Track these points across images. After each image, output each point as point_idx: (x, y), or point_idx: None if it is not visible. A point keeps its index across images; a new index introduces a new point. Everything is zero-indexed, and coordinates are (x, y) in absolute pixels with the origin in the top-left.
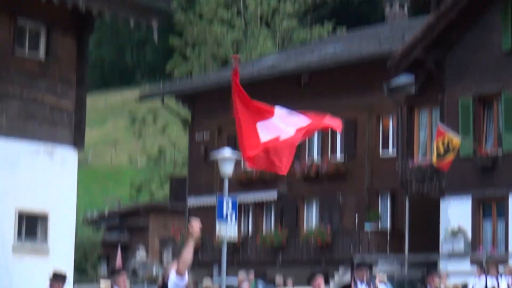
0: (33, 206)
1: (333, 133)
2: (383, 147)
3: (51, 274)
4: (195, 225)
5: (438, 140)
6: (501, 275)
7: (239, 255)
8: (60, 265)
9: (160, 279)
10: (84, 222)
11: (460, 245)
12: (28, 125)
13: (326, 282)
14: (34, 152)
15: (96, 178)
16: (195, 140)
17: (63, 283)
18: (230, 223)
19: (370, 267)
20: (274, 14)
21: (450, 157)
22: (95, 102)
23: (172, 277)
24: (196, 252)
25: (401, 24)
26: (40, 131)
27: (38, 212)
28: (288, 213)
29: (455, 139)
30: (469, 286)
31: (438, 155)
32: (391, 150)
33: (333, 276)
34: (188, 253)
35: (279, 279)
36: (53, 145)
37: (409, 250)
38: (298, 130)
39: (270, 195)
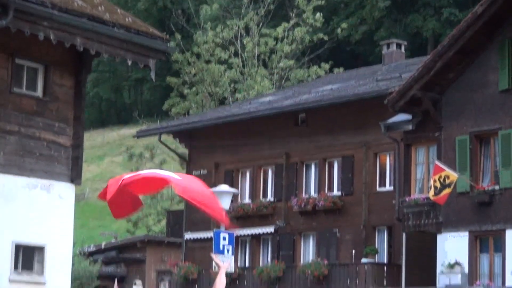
0: (30, 238)
1: (330, 169)
2: (380, 183)
3: None
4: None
5: (435, 176)
6: None
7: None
8: None
9: None
10: (81, 255)
11: (457, 279)
12: (25, 161)
13: None
14: (31, 187)
15: (94, 212)
16: (192, 175)
17: None
18: (227, 256)
19: None
20: (271, 54)
21: (446, 191)
22: (93, 139)
23: None
24: (193, 285)
25: (398, 64)
26: (37, 167)
27: (35, 245)
28: (285, 246)
29: (452, 175)
30: None
31: (435, 190)
32: (388, 186)
33: None
34: (221, 281)
35: None
36: (50, 180)
37: (406, 284)
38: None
39: (267, 229)
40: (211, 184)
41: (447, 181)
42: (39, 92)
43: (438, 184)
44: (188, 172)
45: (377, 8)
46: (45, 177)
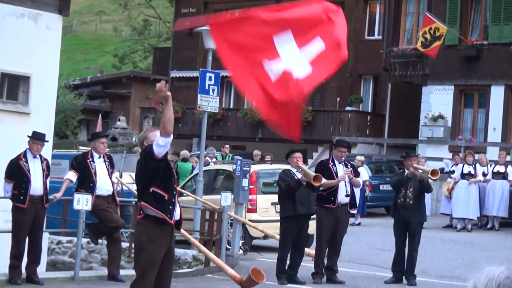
0: (16, 68)
1: None
2: (368, 32)
3: (30, 134)
4: (159, 85)
5: (425, 28)
6: (477, 163)
7: (219, 128)
8: (40, 128)
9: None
10: (66, 88)
11: (439, 132)
12: None
13: (304, 161)
14: (19, 16)
15: (80, 46)
16: (180, 13)
17: (42, 143)
18: (212, 96)
19: (349, 147)
20: None
21: (437, 44)
22: None
23: (158, 139)
24: (176, 123)
25: None
26: None
27: (20, 74)
28: None
29: (442, 27)
30: (445, 170)
31: (425, 42)
32: (376, 35)
33: (311, 156)
34: (169, 112)
35: (256, 152)
36: (38, 10)
37: (389, 134)
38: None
39: None
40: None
41: (437, 33)
42: None
43: (428, 36)
44: (177, 8)
45: None
46: (33, 6)
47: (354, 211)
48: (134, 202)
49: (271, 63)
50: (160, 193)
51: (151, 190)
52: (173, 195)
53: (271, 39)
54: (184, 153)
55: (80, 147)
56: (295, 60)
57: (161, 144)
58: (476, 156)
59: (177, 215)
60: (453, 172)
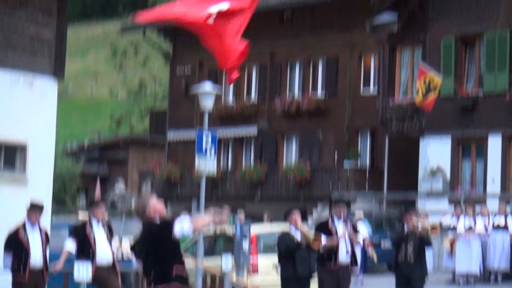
0: (11, 136)
1: (315, 69)
2: (364, 85)
3: (28, 203)
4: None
5: (420, 79)
6: (477, 215)
7: (218, 189)
8: (38, 196)
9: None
10: (64, 153)
11: (438, 184)
12: (7, 55)
13: (304, 218)
14: (14, 82)
15: (76, 109)
16: (176, 73)
17: (40, 212)
18: (209, 157)
19: (348, 204)
20: None
21: (432, 96)
22: (77, 33)
23: (186, 229)
24: (175, 186)
25: None
26: (20, 60)
27: (17, 142)
28: (268, 148)
29: (437, 78)
30: (446, 224)
31: (422, 95)
32: (372, 88)
33: (311, 213)
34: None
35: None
36: (33, 75)
37: (388, 188)
38: None
39: (250, 130)
40: (195, 82)
41: (432, 85)
42: None
43: (423, 89)
44: (172, 69)
45: None
46: (27, 72)
47: (355, 269)
48: (135, 271)
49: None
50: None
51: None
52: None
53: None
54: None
55: (80, 213)
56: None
57: (186, 233)
58: (477, 208)
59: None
60: (454, 226)
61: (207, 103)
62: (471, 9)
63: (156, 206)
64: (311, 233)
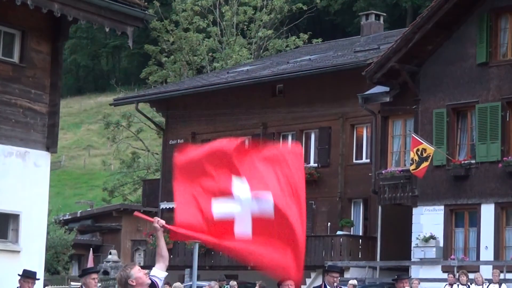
0: (4, 206)
1: (307, 141)
2: (356, 155)
3: (21, 273)
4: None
5: (414, 149)
6: (471, 283)
7: (211, 258)
8: (31, 265)
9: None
10: (57, 223)
11: (432, 253)
12: (1, 128)
13: (298, 287)
14: (7, 154)
15: (69, 181)
16: (169, 145)
17: (33, 282)
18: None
19: (341, 271)
20: (250, 23)
21: (425, 165)
22: (70, 106)
23: (160, 273)
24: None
25: (376, 35)
26: (13, 134)
27: (9, 212)
28: None
29: (429, 148)
30: None
31: (415, 163)
32: (364, 159)
33: (304, 282)
34: (161, 242)
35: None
36: (26, 148)
37: (381, 256)
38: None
39: None
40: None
41: (425, 154)
42: (15, 58)
43: (416, 158)
44: (165, 140)
45: None
46: (20, 144)
47: None
48: None
49: (222, 200)
50: None
51: None
52: None
53: (229, 178)
54: (177, 285)
55: (72, 283)
56: (243, 209)
57: (163, 277)
58: (471, 276)
59: None
60: None
61: None
62: (462, 81)
63: (139, 278)
64: None
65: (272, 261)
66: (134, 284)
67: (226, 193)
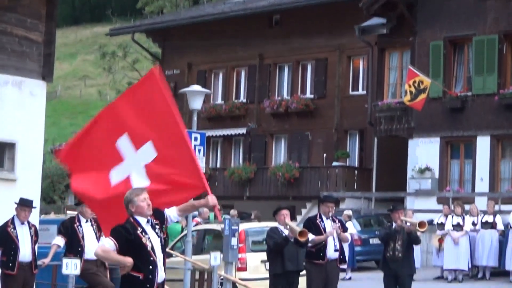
0: (0, 135)
1: (304, 72)
2: (353, 87)
3: (17, 201)
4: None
5: (409, 82)
6: (466, 214)
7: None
8: (27, 194)
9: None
10: (53, 153)
11: (427, 184)
12: None
13: (292, 217)
14: (2, 83)
15: (65, 111)
16: (165, 76)
17: (29, 210)
18: (198, 157)
19: (336, 202)
20: None
21: (422, 97)
22: (66, 37)
23: (174, 215)
24: None
25: None
26: (8, 63)
27: (5, 141)
28: (257, 148)
29: (426, 80)
30: (435, 222)
31: (411, 95)
32: (360, 90)
33: (300, 212)
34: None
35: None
36: (21, 77)
37: (376, 188)
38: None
39: (239, 130)
40: (184, 84)
41: (422, 86)
42: None
43: (413, 89)
44: (161, 72)
45: None
46: (16, 73)
47: (344, 266)
48: None
49: (116, 168)
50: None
51: None
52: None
53: (114, 145)
54: None
55: (68, 212)
56: (134, 163)
57: (174, 219)
58: (467, 207)
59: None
60: (442, 224)
61: (196, 104)
62: (459, 13)
63: (140, 207)
64: (297, 228)
65: (178, 193)
66: (133, 210)
67: (118, 160)
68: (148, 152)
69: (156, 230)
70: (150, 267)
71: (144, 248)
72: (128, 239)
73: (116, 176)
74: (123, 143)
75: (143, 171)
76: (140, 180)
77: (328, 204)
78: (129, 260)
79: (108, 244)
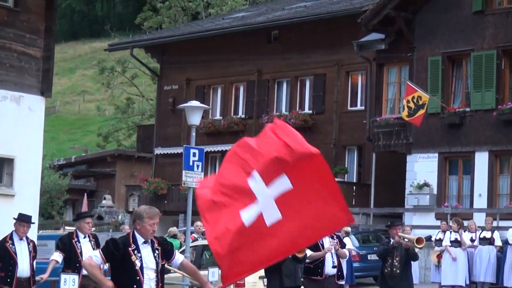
0: None
1: (302, 87)
2: (351, 103)
3: (16, 216)
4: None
5: (408, 97)
6: (464, 230)
7: None
8: (25, 210)
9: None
10: (51, 168)
11: (425, 200)
12: None
13: None
14: (1, 99)
15: (64, 126)
16: (163, 91)
17: (28, 225)
18: (196, 172)
19: None
20: None
21: (421, 112)
22: (64, 52)
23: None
24: (162, 200)
25: None
26: (7, 78)
27: (4, 156)
28: None
29: (424, 96)
30: (433, 238)
31: (409, 111)
32: (359, 106)
33: None
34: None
35: None
36: (20, 92)
37: (375, 204)
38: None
39: None
40: (182, 99)
41: (420, 102)
42: (10, 2)
43: (412, 105)
44: (160, 85)
45: None
46: (15, 89)
47: (342, 282)
48: None
49: (248, 209)
50: None
51: None
52: None
53: (246, 184)
54: (173, 229)
55: (66, 227)
56: (265, 200)
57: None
58: (465, 223)
59: None
60: (440, 240)
61: (195, 119)
62: (458, 29)
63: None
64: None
65: (317, 224)
66: (138, 227)
67: (250, 200)
68: (280, 183)
69: (155, 254)
70: (135, 286)
71: (131, 267)
72: (114, 254)
73: (247, 217)
74: (253, 180)
75: (274, 204)
76: (272, 214)
77: None
78: (109, 285)
79: (95, 258)
